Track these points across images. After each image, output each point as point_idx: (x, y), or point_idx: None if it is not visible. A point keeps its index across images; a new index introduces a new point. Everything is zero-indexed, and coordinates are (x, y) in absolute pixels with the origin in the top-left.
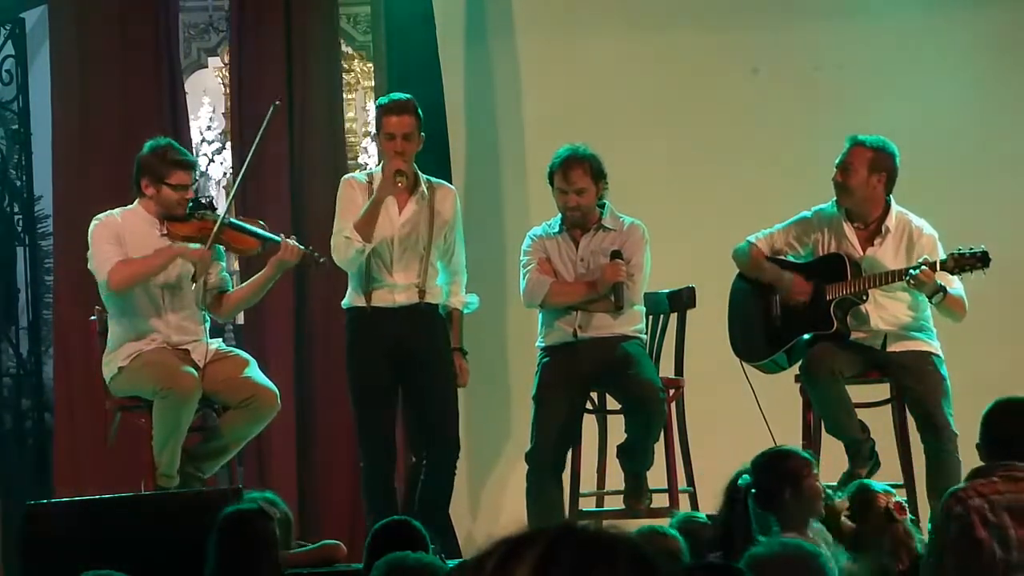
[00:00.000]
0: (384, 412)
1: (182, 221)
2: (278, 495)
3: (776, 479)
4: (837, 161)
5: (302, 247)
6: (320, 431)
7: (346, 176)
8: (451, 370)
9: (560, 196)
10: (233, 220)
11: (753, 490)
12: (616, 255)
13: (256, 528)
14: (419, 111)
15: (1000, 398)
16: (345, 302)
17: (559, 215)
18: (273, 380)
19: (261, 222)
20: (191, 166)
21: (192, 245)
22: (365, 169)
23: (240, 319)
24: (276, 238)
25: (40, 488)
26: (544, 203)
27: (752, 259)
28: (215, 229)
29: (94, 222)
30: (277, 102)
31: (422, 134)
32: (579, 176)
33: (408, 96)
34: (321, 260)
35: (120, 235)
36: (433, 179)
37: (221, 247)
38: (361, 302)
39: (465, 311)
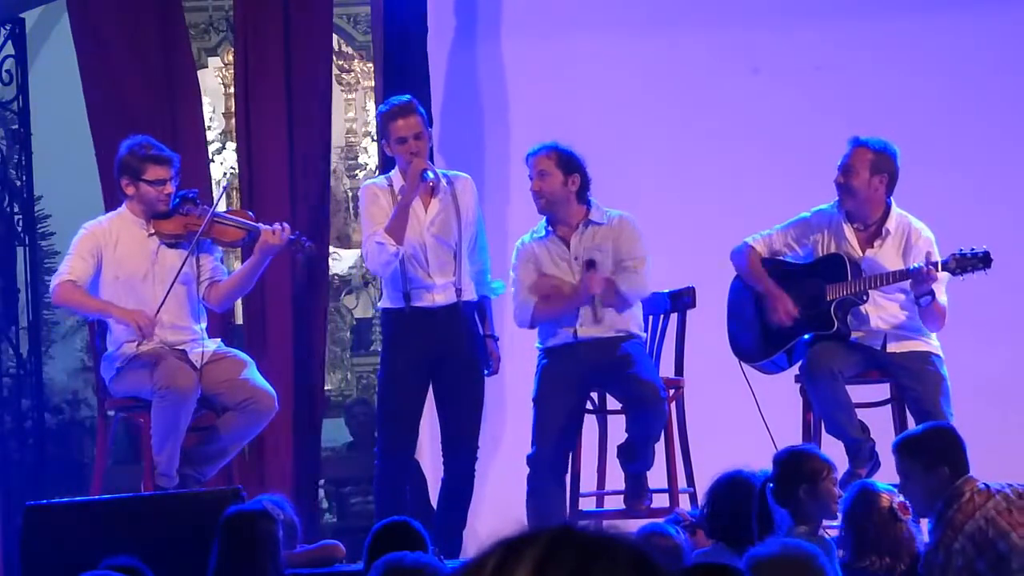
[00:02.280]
0: (408, 416)
1: (167, 218)
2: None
3: (794, 477)
4: (839, 162)
5: (286, 231)
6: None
7: (367, 183)
8: (481, 375)
9: (531, 183)
10: (218, 213)
11: (771, 484)
12: (590, 265)
13: (260, 528)
14: (420, 110)
15: None
16: (382, 304)
17: (543, 219)
18: (272, 380)
19: (250, 213)
20: (167, 160)
21: (115, 313)
22: (365, 169)
23: (240, 319)
24: (260, 227)
25: (40, 488)
26: (526, 204)
27: (747, 263)
28: (201, 228)
29: (80, 230)
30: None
31: (429, 129)
32: (540, 158)
33: (408, 97)
34: (308, 245)
35: (101, 246)
36: (448, 172)
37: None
38: (400, 303)
39: (493, 296)
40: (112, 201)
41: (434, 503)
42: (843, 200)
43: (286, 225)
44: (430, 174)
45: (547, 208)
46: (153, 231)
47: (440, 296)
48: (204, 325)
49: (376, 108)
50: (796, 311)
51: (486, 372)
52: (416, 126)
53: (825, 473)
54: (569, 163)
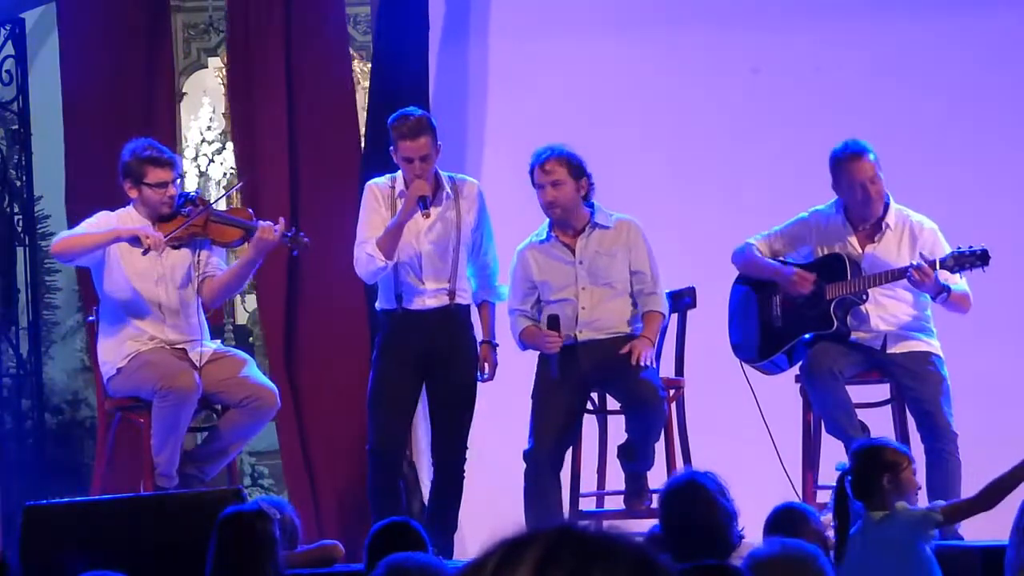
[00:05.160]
0: (398, 415)
1: (169, 220)
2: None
3: (877, 467)
4: (864, 176)
5: (281, 227)
6: (318, 432)
7: (369, 183)
8: (473, 377)
9: (540, 193)
10: (216, 211)
11: (849, 477)
12: (553, 321)
13: (256, 529)
14: (432, 123)
15: None
16: (378, 304)
17: (546, 221)
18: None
19: (250, 210)
20: (167, 163)
21: (123, 234)
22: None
23: (240, 319)
24: (256, 224)
25: (40, 488)
26: (517, 205)
27: (750, 258)
28: (195, 224)
29: (93, 216)
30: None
31: (439, 143)
32: (552, 167)
33: (420, 112)
34: (305, 240)
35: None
36: (456, 176)
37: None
38: (393, 305)
39: (496, 302)
40: (74, 199)
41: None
42: (872, 207)
43: (282, 220)
44: (427, 211)
45: (562, 217)
46: (168, 236)
47: (432, 300)
48: (206, 327)
49: (368, 104)
50: (814, 275)
51: (480, 377)
52: (423, 148)
53: (905, 464)
54: (578, 167)
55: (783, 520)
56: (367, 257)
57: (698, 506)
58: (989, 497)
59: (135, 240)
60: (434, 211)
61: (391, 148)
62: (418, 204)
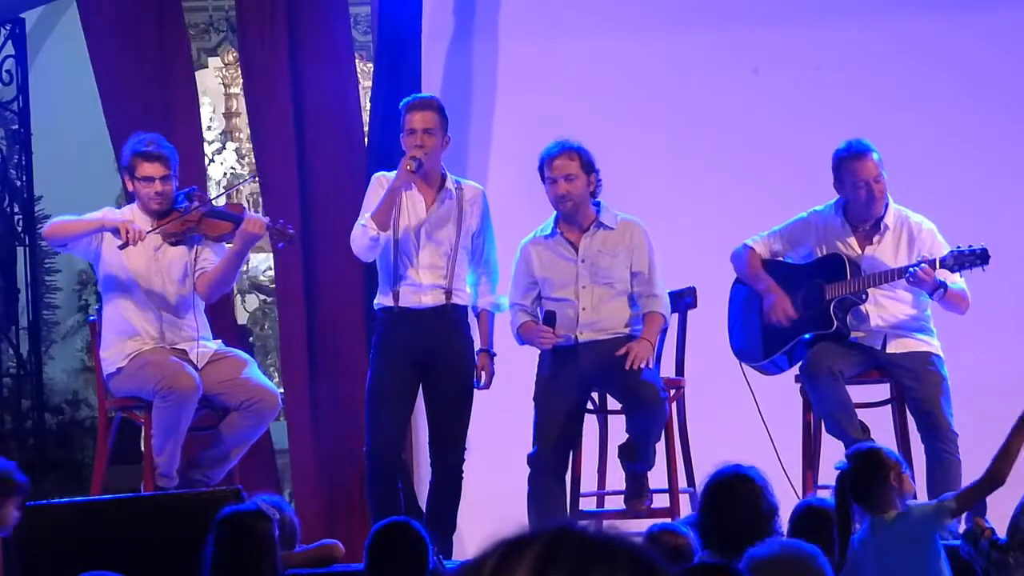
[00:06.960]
0: (394, 415)
1: (167, 217)
2: (286, 499)
3: (882, 467)
4: (866, 176)
5: (268, 220)
6: (328, 433)
7: (376, 173)
8: (470, 377)
9: (551, 187)
10: (211, 206)
11: (847, 480)
12: (550, 317)
13: (254, 528)
14: (444, 110)
15: None
16: (375, 302)
17: (552, 216)
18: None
19: (243, 204)
20: (157, 157)
21: (107, 225)
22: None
23: (240, 319)
24: (243, 216)
25: (40, 488)
26: (520, 206)
27: (747, 265)
28: (190, 220)
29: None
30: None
31: (448, 135)
32: (565, 163)
33: (431, 95)
34: (290, 231)
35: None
36: (461, 179)
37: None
38: (389, 302)
39: (496, 312)
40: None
41: (422, 504)
42: (875, 206)
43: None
44: (411, 163)
45: (573, 211)
46: (157, 229)
47: (428, 297)
48: (207, 326)
49: (371, 102)
50: (795, 314)
51: (476, 384)
52: (428, 121)
53: (899, 467)
54: (590, 163)
55: (808, 519)
56: (361, 229)
57: (743, 499)
58: (996, 471)
59: (117, 231)
60: (437, 205)
61: (401, 135)
62: (407, 162)
